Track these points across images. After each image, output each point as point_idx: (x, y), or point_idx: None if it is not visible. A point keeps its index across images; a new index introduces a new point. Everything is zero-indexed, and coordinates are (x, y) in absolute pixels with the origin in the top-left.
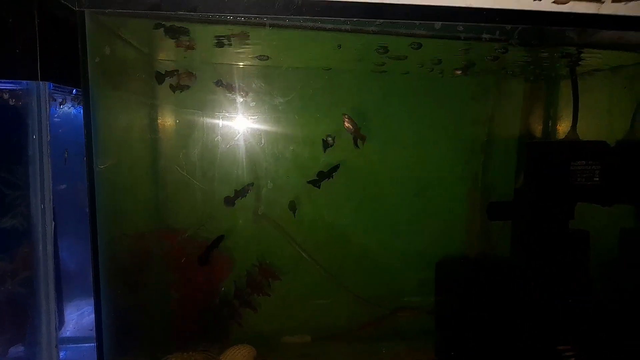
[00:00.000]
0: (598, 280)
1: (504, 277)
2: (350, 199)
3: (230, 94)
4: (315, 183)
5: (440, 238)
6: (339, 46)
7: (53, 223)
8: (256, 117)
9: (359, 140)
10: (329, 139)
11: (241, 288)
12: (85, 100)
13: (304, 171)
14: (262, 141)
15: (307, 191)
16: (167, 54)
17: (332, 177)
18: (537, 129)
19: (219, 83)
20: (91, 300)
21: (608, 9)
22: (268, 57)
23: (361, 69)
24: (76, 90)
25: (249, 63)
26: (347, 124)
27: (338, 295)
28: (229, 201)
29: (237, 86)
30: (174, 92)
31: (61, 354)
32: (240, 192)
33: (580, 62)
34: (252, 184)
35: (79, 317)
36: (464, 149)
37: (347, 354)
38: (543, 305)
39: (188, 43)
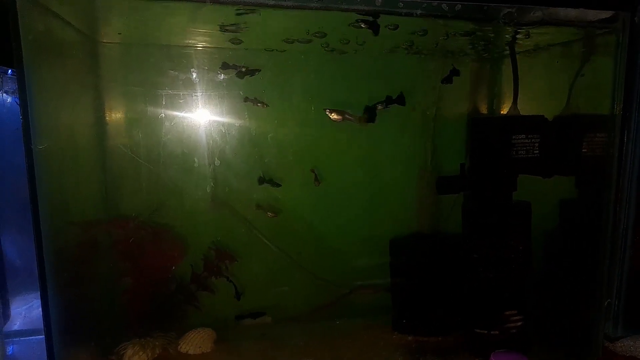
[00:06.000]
0: (539, 248)
1: (453, 249)
2: (305, 183)
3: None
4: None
5: (394, 217)
6: (308, 31)
7: None
8: (200, 95)
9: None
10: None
11: (198, 272)
12: (20, 80)
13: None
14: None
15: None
16: (109, 37)
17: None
18: (483, 106)
19: None
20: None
21: None
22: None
23: (309, 49)
24: (11, 71)
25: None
26: (334, 117)
27: (297, 275)
28: None
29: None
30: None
31: (10, 347)
32: None
33: (517, 41)
34: None
35: (27, 310)
36: (415, 129)
37: (307, 333)
38: (489, 275)
39: None
